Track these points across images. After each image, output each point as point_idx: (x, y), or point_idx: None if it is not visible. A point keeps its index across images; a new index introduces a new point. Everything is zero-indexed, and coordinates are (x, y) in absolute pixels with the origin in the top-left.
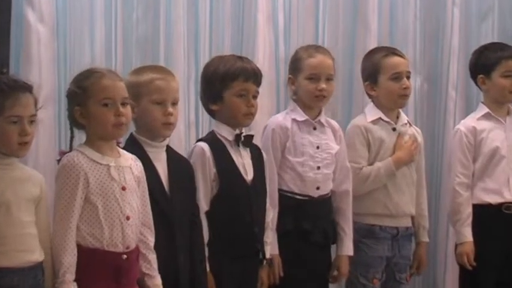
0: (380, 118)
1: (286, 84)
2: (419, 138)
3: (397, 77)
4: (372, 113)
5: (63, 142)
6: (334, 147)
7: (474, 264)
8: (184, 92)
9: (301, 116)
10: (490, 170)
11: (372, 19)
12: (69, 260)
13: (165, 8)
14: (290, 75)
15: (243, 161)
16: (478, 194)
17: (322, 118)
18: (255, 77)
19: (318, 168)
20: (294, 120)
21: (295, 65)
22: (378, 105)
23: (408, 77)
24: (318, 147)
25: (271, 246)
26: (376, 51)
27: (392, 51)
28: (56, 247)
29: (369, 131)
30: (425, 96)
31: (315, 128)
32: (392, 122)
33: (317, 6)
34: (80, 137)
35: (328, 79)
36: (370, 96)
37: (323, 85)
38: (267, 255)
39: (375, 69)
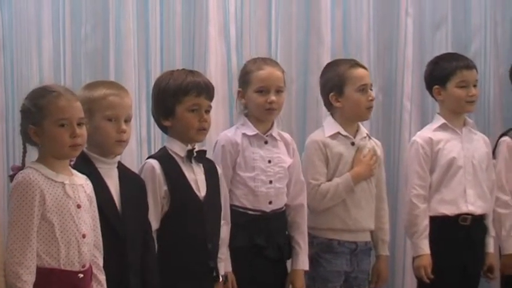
0: (338, 133)
1: (236, 99)
2: (379, 152)
3: (363, 88)
4: (330, 127)
5: (12, 158)
6: (287, 160)
7: (432, 276)
8: (136, 108)
9: (251, 131)
10: (446, 182)
11: (325, 31)
12: (31, 279)
13: (114, 22)
14: (239, 89)
15: (196, 177)
16: (434, 206)
17: (274, 131)
18: (207, 91)
19: (270, 182)
20: (244, 134)
21: (244, 78)
22: (340, 117)
23: (371, 89)
24: (269, 161)
25: (225, 263)
26: (340, 63)
27: (356, 63)
28: (14, 267)
29: (327, 147)
30: (381, 107)
31: (266, 142)
32: (351, 137)
33: (269, 19)
34: (30, 152)
35: (278, 91)
36: (331, 108)
37: (273, 97)
38: (222, 272)
39: (341, 80)
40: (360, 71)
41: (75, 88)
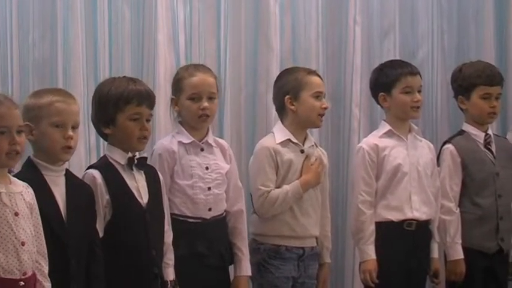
0: (289, 140)
1: (169, 106)
2: (325, 160)
3: (318, 95)
4: (281, 134)
5: None
6: (224, 166)
7: (376, 281)
8: (84, 115)
9: (187, 138)
10: (392, 188)
11: (274, 38)
12: None
13: (62, 29)
14: (173, 96)
15: (137, 184)
16: (380, 212)
17: (210, 138)
18: (149, 100)
19: (209, 189)
20: (180, 142)
21: (177, 86)
22: (291, 123)
23: (324, 99)
24: (207, 168)
25: (173, 269)
26: (298, 69)
27: (314, 71)
28: None
29: (277, 153)
30: (329, 115)
31: (202, 149)
32: (300, 144)
33: (218, 26)
34: None
35: (211, 98)
36: (283, 113)
37: (205, 104)
38: (171, 278)
39: (298, 84)
40: (317, 79)
41: (23, 96)
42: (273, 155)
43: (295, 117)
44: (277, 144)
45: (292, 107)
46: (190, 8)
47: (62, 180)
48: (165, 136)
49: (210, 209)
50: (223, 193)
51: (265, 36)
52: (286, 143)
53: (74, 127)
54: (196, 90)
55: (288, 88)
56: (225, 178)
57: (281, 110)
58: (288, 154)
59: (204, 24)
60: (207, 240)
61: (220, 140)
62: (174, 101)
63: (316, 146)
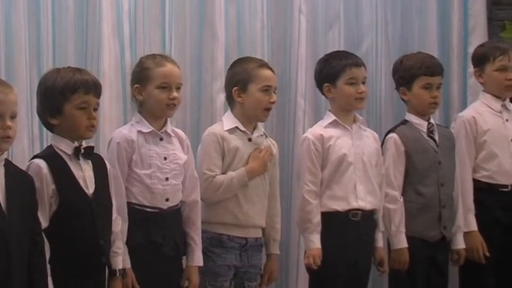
0: (237, 127)
1: (132, 95)
2: (275, 151)
3: (267, 89)
4: (229, 121)
5: None
6: (182, 157)
7: (319, 263)
8: (27, 105)
9: (146, 128)
10: (337, 178)
11: (220, 28)
12: None
13: (3, 17)
14: (137, 85)
15: (84, 174)
16: (326, 202)
17: (169, 128)
18: (95, 89)
19: (167, 179)
20: (139, 132)
21: (143, 75)
22: (239, 113)
23: (275, 93)
24: (165, 158)
25: (123, 257)
26: (250, 60)
27: (266, 64)
28: None
29: (224, 140)
30: (275, 105)
31: (161, 139)
32: (248, 133)
33: (163, 15)
34: None
35: (178, 88)
36: (231, 102)
37: (175, 94)
38: (120, 266)
39: (248, 76)
40: (267, 72)
41: None
42: (220, 141)
43: (242, 108)
44: (225, 131)
45: (239, 99)
46: None
47: (1, 170)
48: (110, 124)
49: (167, 199)
50: (180, 184)
51: (210, 26)
52: (233, 130)
53: (13, 117)
54: (166, 80)
55: (237, 79)
56: (182, 169)
57: (230, 99)
58: (235, 141)
59: (148, 13)
60: (163, 229)
61: (178, 131)
62: (138, 90)
63: (266, 136)
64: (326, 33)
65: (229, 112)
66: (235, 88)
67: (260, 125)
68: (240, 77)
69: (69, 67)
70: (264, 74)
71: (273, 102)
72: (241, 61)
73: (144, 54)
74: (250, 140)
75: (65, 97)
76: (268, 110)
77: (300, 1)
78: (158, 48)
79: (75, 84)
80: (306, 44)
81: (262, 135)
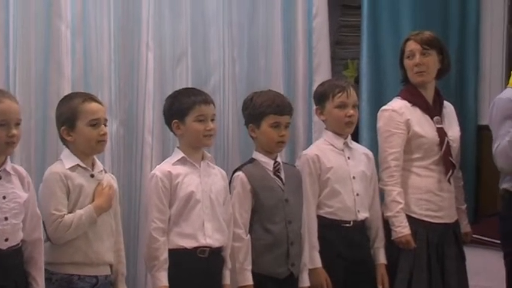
0: (78, 165)
1: None
2: (115, 185)
3: (96, 123)
4: (69, 159)
5: None
6: (23, 195)
7: None
8: None
9: None
10: (185, 215)
11: (66, 63)
12: None
13: None
14: None
15: None
16: (173, 239)
17: (8, 166)
18: None
19: (6, 219)
20: None
21: None
22: (74, 151)
23: (105, 125)
24: (4, 197)
25: None
26: (74, 96)
27: (90, 97)
28: None
29: (68, 178)
30: (122, 141)
31: (0, 178)
32: (89, 169)
33: (7, 49)
34: None
35: (17, 124)
36: (65, 141)
37: (14, 131)
38: None
39: (73, 114)
40: (93, 105)
41: None
42: (64, 180)
43: (75, 146)
44: (67, 169)
45: (70, 138)
46: None
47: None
48: None
49: (6, 239)
50: (20, 223)
51: (56, 60)
52: (75, 168)
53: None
54: (4, 117)
55: (64, 119)
56: (22, 207)
57: (62, 139)
58: (78, 179)
59: None
60: (3, 270)
61: (18, 167)
62: None
63: (105, 172)
64: (174, 69)
65: (66, 150)
66: (63, 128)
67: (98, 161)
68: (66, 115)
69: None
70: (90, 108)
71: (103, 134)
72: (65, 99)
73: None
74: (92, 176)
75: None
76: (101, 142)
77: (147, 36)
78: (1, 83)
79: None
80: (153, 80)
81: (101, 170)
